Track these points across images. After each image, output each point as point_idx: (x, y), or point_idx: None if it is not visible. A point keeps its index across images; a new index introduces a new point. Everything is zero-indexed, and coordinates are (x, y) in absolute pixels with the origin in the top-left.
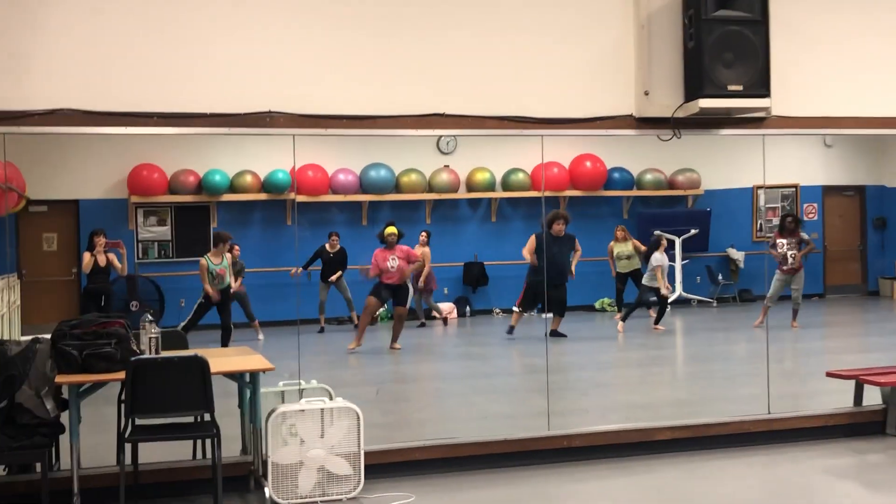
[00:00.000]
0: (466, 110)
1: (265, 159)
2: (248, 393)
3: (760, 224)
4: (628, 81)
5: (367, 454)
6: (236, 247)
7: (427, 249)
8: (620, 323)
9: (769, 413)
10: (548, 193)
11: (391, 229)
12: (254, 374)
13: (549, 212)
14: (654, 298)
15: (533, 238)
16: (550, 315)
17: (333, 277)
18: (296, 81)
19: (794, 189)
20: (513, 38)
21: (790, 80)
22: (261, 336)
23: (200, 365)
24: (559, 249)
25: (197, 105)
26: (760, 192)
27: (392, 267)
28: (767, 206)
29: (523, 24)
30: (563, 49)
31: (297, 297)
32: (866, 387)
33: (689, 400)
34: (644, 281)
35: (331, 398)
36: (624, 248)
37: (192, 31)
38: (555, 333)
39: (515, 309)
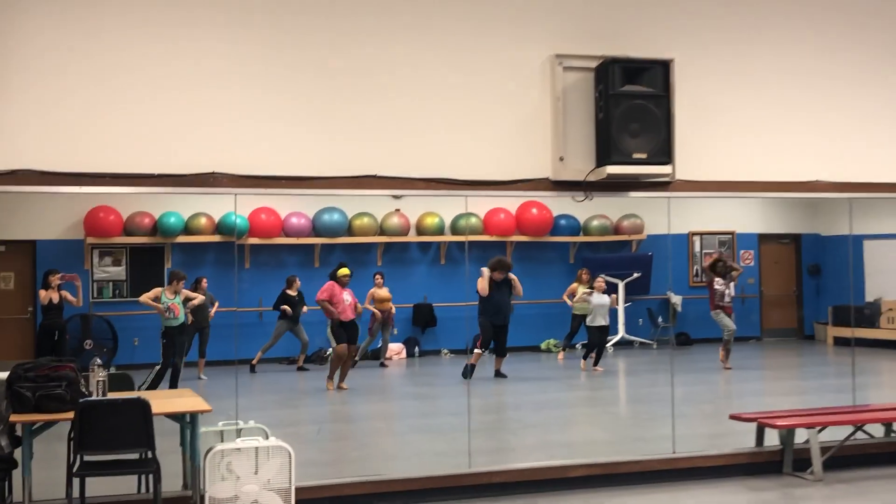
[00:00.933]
0: (398, 172)
1: (220, 202)
2: (188, 432)
3: (697, 269)
4: (545, 148)
5: (298, 490)
6: (203, 279)
7: (387, 288)
8: (583, 361)
9: (674, 453)
10: (495, 238)
11: (345, 270)
12: (193, 415)
13: (492, 258)
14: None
15: (485, 279)
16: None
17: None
18: (238, 143)
19: (730, 236)
20: (441, 105)
21: (693, 148)
22: (203, 376)
23: (142, 406)
24: (500, 292)
25: (146, 166)
26: (696, 238)
27: (347, 300)
28: (704, 251)
29: (451, 92)
30: (487, 117)
31: (235, 337)
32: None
33: (609, 439)
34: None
35: (266, 437)
36: (585, 290)
37: (143, 97)
38: (498, 374)
39: (477, 350)
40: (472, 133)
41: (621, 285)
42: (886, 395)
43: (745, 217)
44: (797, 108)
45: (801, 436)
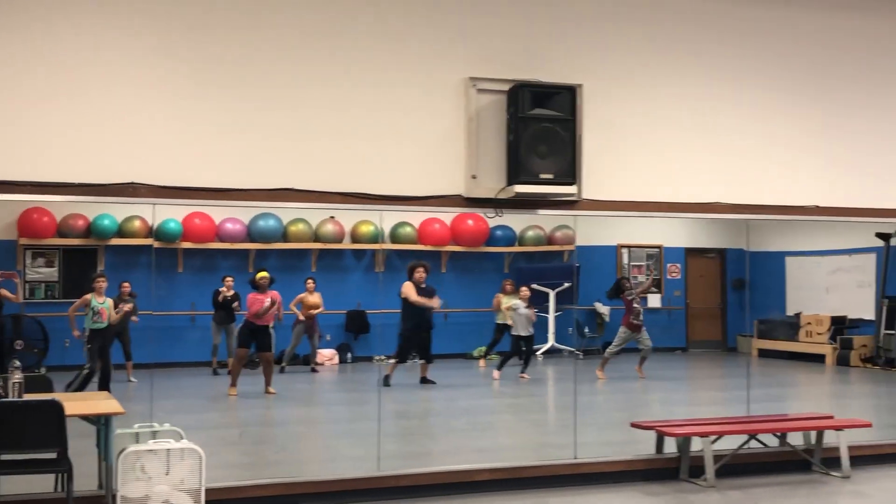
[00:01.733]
0: (315, 186)
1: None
2: (102, 434)
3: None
4: (459, 165)
5: (210, 491)
6: (125, 283)
7: (319, 294)
8: (496, 371)
9: (576, 458)
10: (429, 248)
11: (263, 273)
12: (107, 417)
13: (410, 262)
14: (524, 347)
15: (410, 284)
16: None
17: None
18: (158, 155)
19: (657, 249)
20: (359, 122)
21: (599, 169)
22: (133, 379)
23: (56, 408)
24: (425, 296)
25: (68, 175)
26: (624, 250)
27: (266, 309)
28: (633, 263)
29: (369, 110)
30: (404, 134)
31: (152, 340)
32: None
33: (520, 445)
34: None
35: (180, 439)
36: (510, 300)
37: (64, 107)
38: (424, 380)
39: (391, 361)
40: (389, 150)
41: (552, 294)
42: (803, 405)
43: (672, 231)
44: (698, 133)
45: (698, 444)
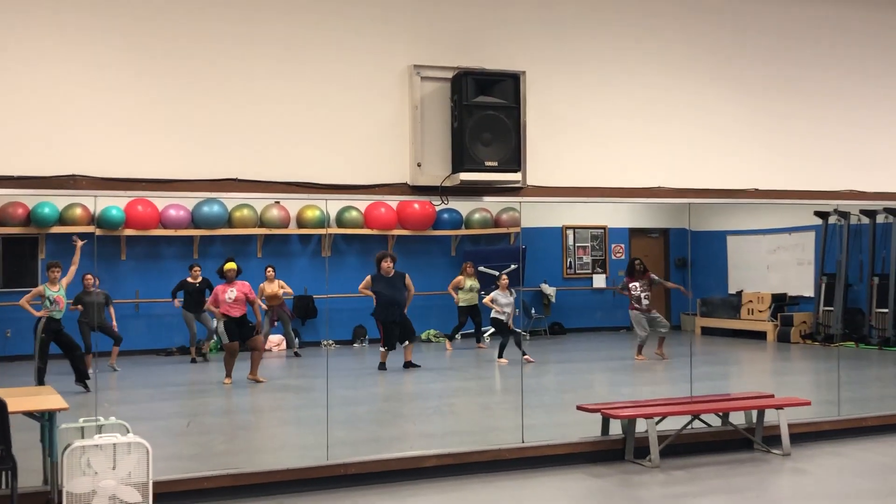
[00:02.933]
0: (258, 176)
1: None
2: (46, 429)
3: (570, 262)
4: (404, 154)
5: (157, 483)
6: (88, 276)
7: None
8: (502, 360)
9: (523, 442)
10: (376, 232)
11: (230, 265)
12: (51, 413)
13: (377, 252)
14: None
15: (368, 278)
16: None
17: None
18: (99, 146)
19: (602, 230)
20: (303, 112)
21: (543, 156)
22: (117, 367)
23: None
24: (392, 287)
25: (7, 168)
26: (569, 231)
27: (230, 298)
28: (578, 245)
29: (313, 99)
30: (348, 123)
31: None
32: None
33: (469, 429)
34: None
35: (126, 433)
36: (471, 282)
37: (4, 99)
38: (408, 364)
39: (381, 349)
40: (333, 139)
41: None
42: (745, 382)
43: (616, 212)
44: (641, 119)
45: (643, 425)
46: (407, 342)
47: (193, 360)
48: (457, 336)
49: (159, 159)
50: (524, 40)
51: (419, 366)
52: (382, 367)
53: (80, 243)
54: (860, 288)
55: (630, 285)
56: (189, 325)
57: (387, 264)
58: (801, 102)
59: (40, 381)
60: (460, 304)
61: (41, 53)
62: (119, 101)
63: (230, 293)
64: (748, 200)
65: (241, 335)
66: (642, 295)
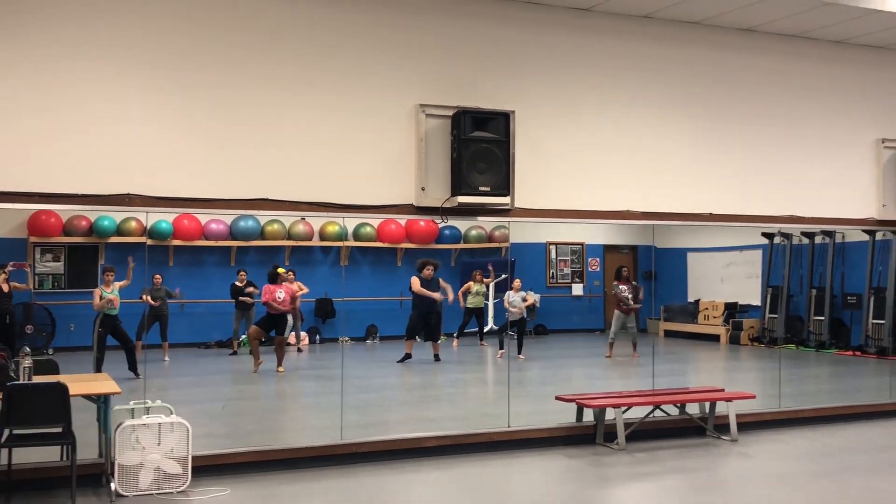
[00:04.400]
0: (286, 196)
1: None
2: (101, 410)
3: (553, 273)
4: (410, 179)
5: (195, 458)
6: (157, 276)
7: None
8: (521, 356)
9: (509, 427)
10: (387, 245)
11: (280, 269)
12: (106, 396)
13: (420, 259)
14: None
15: (417, 280)
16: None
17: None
18: (149, 169)
19: (580, 246)
20: (325, 141)
21: (529, 183)
22: (167, 358)
23: (61, 389)
24: (430, 288)
25: (72, 186)
26: (552, 246)
27: (280, 297)
28: (559, 258)
29: (333, 131)
30: (363, 152)
31: (144, 324)
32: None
33: (464, 415)
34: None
35: (170, 414)
36: (480, 287)
37: (68, 124)
38: (436, 357)
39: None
40: (351, 165)
41: (492, 284)
42: (700, 378)
43: (593, 231)
44: (613, 151)
45: (612, 414)
46: (432, 341)
47: (233, 353)
48: (455, 336)
49: (202, 182)
50: (514, 84)
51: (440, 359)
52: (407, 357)
53: (132, 264)
54: (800, 298)
55: (619, 287)
56: (235, 322)
57: (427, 272)
58: (749, 139)
59: (98, 369)
60: (467, 305)
61: (102, 88)
62: (168, 132)
63: (279, 293)
64: (703, 223)
65: (275, 329)
66: (628, 297)
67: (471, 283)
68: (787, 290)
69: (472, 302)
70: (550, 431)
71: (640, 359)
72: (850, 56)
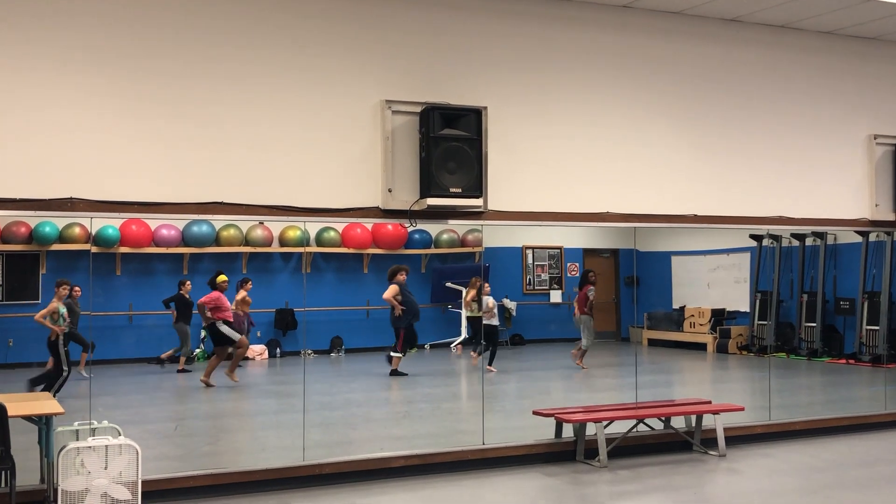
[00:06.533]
0: (242, 199)
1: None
2: (43, 432)
3: (530, 279)
4: (376, 180)
5: (146, 482)
6: (77, 288)
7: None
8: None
9: (483, 444)
10: (352, 251)
11: (223, 277)
12: (48, 417)
13: (391, 267)
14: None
15: (396, 288)
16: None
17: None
18: (94, 171)
19: (558, 250)
20: (284, 139)
21: (503, 183)
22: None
23: None
24: (408, 296)
25: (9, 191)
26: (529, 251)
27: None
28: (536, 263)
29: (293, 129)
30: (325, 152)
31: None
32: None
33: (434, 432)
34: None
35: (118, 436)
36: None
37: (6, 126)
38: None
39: (397, 355)
40: (312, 165)
41: (465, 291)
42: (686, 390)
43: (571, 234)
44: (592, 151)
45: (592, 429)
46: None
47: (182, 370)
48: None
49: (151, 183)
50: (486, 78)
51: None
52: (396, 373)
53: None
54: (791, 304)
55: (589, 291)
56: (182, 335)
57: (403, 276)
58: (735, 136)
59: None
60: (468, 315)
61: (42, 87)
62: (114, 131)
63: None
64: (687, 225)
65: (229, 340)
66: (594, 301)
67: (472, 290)
68: (777, 296)
69: (471, 312)
70: (527, 448)
71: (622, 368)
72: (839, 47)
